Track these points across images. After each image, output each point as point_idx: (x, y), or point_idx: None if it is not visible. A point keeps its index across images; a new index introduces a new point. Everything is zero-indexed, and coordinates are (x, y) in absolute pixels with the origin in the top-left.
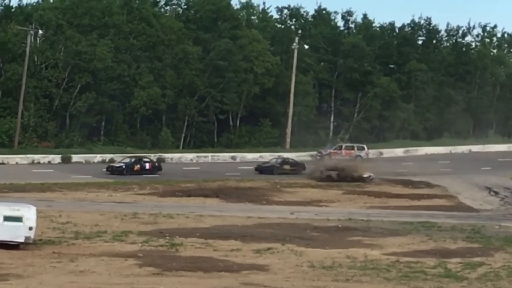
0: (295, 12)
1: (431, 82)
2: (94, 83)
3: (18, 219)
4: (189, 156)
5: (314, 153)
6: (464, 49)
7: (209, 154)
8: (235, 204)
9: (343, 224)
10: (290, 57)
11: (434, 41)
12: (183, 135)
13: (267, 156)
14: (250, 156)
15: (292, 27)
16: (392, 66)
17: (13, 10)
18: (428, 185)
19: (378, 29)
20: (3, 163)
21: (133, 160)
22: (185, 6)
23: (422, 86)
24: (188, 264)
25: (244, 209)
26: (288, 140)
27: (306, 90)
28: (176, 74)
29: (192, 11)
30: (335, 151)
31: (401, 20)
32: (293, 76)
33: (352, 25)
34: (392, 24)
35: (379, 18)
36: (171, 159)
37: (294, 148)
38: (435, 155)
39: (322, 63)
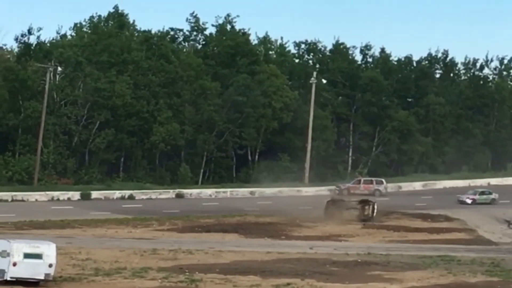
0: (312, 47)
1: (449, 116)
2: (113, 120)
3: (38, 256)
4: (208, 192)
5: (333, 187)
6: (481, 82)
7: (228, 190)
8: (254, 239)
9: (362, 259)
10: (308, 92)
11: (452, 74)
12: (202, 170)
13: (286, 191)
14: (269, 191)
15: (310, 61)
16: (410, 99)
17: (32, 47)
18: (447, 218)
19: (395, 62)
20: (22, 200)
21: None
22: (204, 42)
23: (440, 119)
24: None
25: (263, 244)
26: (307, 174)
27: (324, 124)
28: (195, 110)
29: (211, 47)
30: (353, 185)
31: (418, 53)
32: (311, 111)
33: (369, 59)
34: (409, 58)
35: (397, 52)
36: (190, 194)
37: (312, 182)
38: (453, 188)
39: (340, 97)
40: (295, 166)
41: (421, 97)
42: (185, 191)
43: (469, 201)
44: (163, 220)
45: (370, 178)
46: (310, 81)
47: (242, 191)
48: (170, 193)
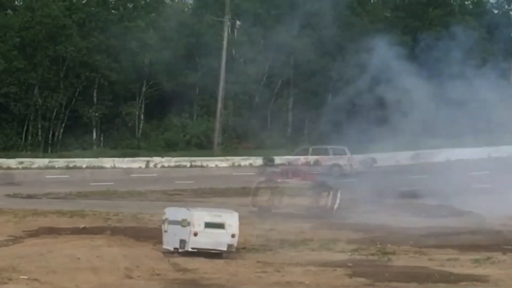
0: None
1: None
2: (296, 79)
3: (220, 225)
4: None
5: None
6: None
7: None
8: None
9: None
10: None
11: None
12: None
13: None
14: None
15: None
16: None
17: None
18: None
19: None
20: (202, 166)
21: None
22: None
23: None
24: (401, 274)
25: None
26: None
27: None
28: None
29: None
30: (296, 157)
31: None
32: None
33: None
34: None
35: None
36: None
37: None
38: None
39: None
40: None
41: None
42: None
43: None
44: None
45: (323, 146)
46: None
47: None
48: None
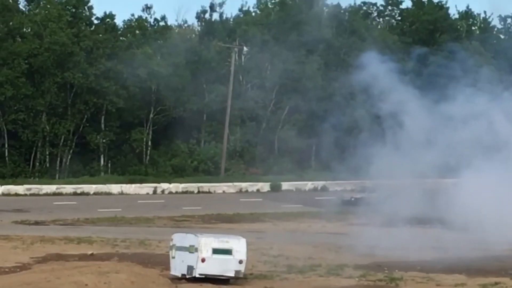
0: None
1: None
2: (303, 104)
3: (227, 251)
4: None
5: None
6: None
7: None
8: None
9: None
10: None
11: None
12: None
13: None
14: None
15: None
16: None
17: (215, 25)
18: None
19: None
20: (209, 192)
21: None
22: (399, 18)
23: None
24: None
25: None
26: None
27: None
28: None
29: (407, 23)
30: None
31: None
32: None
33: None
34: None
35: None
36: None
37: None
38: None
39: None
40: None
41: None
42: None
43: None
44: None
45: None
46: None
47: None
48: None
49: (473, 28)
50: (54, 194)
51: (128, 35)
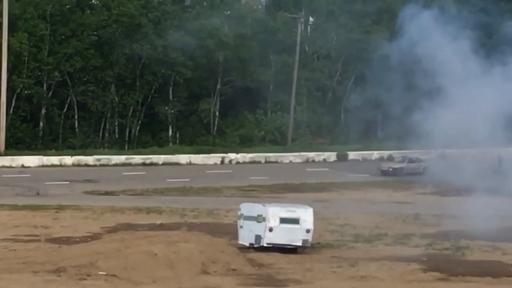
0: None
1: None
2: (370, 74)
3: (295, 221)
4: None
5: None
6: None
7: None
8: None
9: None
10: None
11: None
12: None
13: None
14: None
15: None
16: None
17: None
18: None
19: None
20: (276, 162)
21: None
22: None
23: None
24: (475, 268)
25: None
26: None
27: None
28: None
29: None
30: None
31: None
32: None
33: None
34: None
35: None
36: None
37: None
38: None
39: None
40: None
41: None
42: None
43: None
44: (425, 182)
45: None
46: None
47: None
48: (432, 153)
49: None
50: (124, 164)
51: (196, 6)
